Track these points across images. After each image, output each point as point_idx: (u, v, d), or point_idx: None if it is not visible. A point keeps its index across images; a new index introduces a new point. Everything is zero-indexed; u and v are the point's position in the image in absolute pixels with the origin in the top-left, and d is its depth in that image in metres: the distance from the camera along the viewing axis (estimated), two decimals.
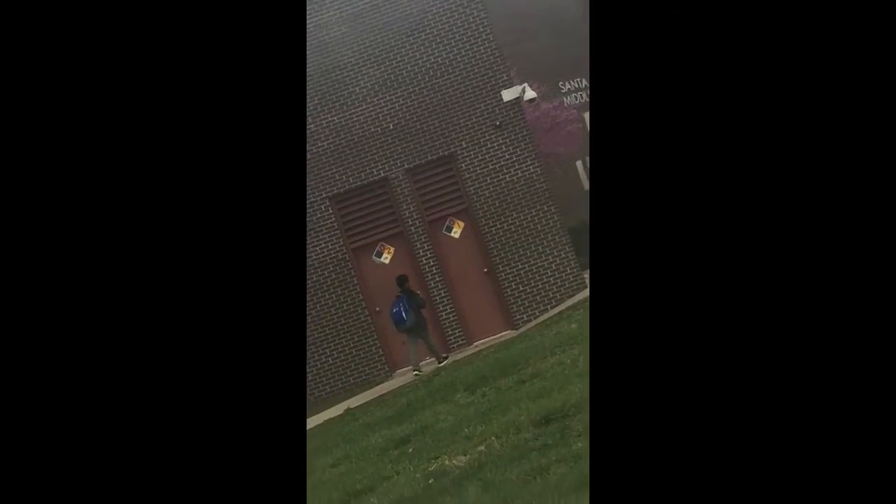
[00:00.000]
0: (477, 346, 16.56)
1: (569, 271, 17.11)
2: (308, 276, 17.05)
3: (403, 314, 15.82)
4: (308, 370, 16.98)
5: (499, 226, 17.16)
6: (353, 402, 14.98)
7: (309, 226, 17.12)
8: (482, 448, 7.39)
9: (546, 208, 17.10)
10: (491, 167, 17.15)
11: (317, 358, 17.01)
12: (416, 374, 15.51)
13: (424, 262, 17.15)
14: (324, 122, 17.20)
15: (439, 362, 15.78)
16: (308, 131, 17.14)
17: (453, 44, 17.30)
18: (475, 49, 17.29)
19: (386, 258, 17.42)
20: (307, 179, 17.03)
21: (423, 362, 16.32)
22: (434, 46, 17.30)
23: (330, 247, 17.17)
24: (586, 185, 17.57)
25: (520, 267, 17.14)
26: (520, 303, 17.12)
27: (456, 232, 17.43)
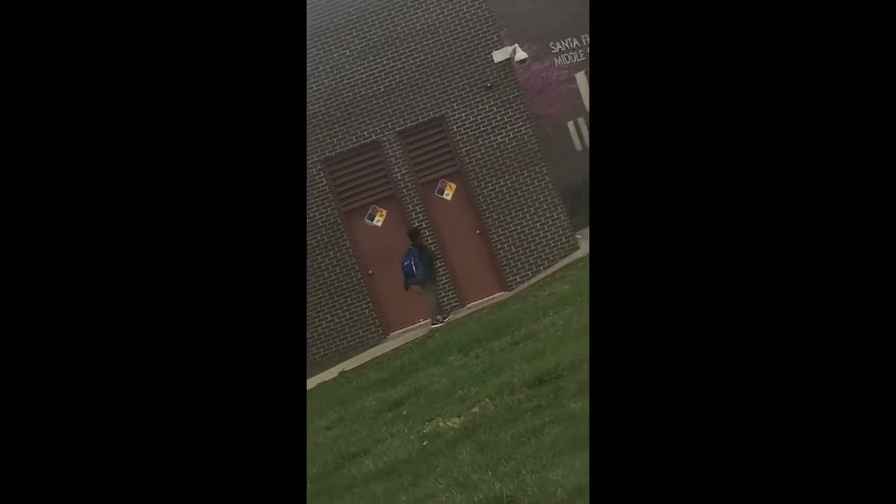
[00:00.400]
0: (470, 308, 16.59)
1: (561, 232, 17.11)
2: None
3: (413, 267, 15.88)
4: None
5: (491, 187, 17.13)
6: (347, 364, 15.02)
7: None
8: (476, 410, 7.42)
9: (538, 170, 17.07)
10: (482, 129, 17.10)
11: (310, 321, 17.02)
12: (433, 325, 15.68)
13: (417, 224, 17.12)
14: (314, 84, 17.11)
15: (432, 323, 15.81)
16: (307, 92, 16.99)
17: (443, 5, 17.19)
18: (465, 10, 17.18)
19: (378, 221, 17.40)
20: None
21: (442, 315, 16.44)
22: (424, 8, 17.19)
23: (322, 210, 17.14)
24: (578, 146, 17.52)
25: (512, 229, 17.13)
26: (512, 264, 17.13)
27: (448, 194, 17.40)
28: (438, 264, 16.67)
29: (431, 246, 17.00)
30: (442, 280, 17.10)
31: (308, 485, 7.11)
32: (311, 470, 7.53)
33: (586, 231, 19.65)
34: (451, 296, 17.17)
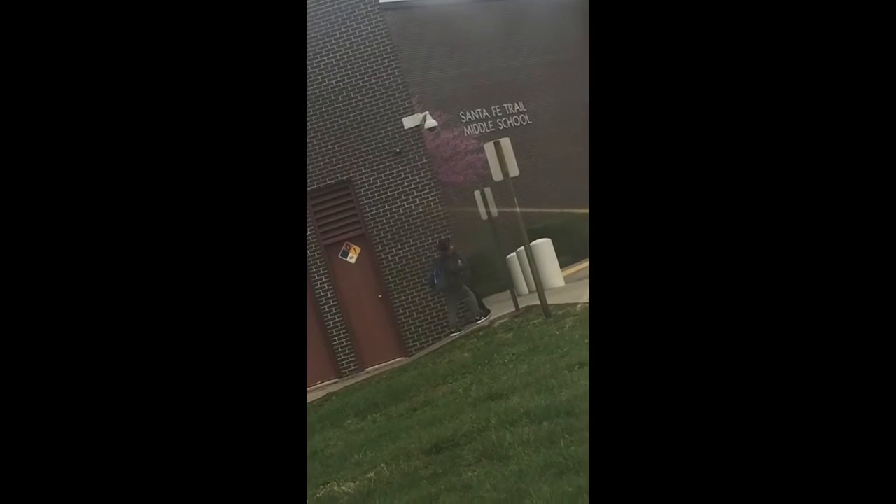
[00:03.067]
0: (369, 372, 16.50)
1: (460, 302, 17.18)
2: None
3: (435, 278, 16.57)
4: None
5: (395, 252, 17.16)
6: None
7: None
8: (372, 475, 7.35)
9: (443, 237, 17.16)
10: (389, 193, 17.16)
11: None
12: (451, 333, 16.35)
13: (319, 286, 17.04)
14: None
15: (452, 331, 16.48)
16: None
17: (356, 69, 17.30)
18: (378, 75, 17.31)
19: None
20: None
21: (467, 323, 16.73)
22: (336, 70, 17.28)
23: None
24: (484, 214, 17.68)
25: (415, 294, 17.14)
26: (413, 330, 17.11)
27: (352, 257, 17.37)
28: (466, 275, 17.00)
29: (332, 309, 16.90)
30: (341, 342, 17.00)
31: None
32: None
33: (492, 297, 19.76)
34: (349, 359, 17.05)
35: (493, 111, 29.20)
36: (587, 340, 9.55)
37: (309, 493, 7.48)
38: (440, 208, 17.26)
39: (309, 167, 17.06)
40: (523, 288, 19.50)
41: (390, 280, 17.12)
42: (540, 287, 14.59)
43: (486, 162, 16.93)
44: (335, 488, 7.31)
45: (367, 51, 17.35)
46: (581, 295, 14.67)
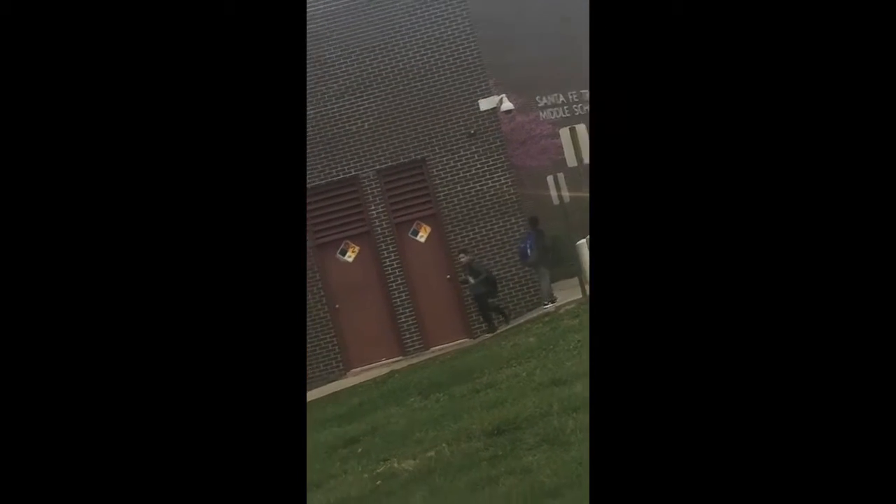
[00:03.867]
0: (434, 352, 16.56)
1: (530, 285, 17.15)
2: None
3: (528, 250, 16.65)
4: None
5: (465, 234, 17.17)
6: (306, 397, 14.91)
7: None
8: (432, 454, 7.39)
9: (514, 220, 17.14)
10: (462, 175, 17.17)
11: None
12: (544, 305, 16.49)
13: (388, 263, 17.12)
14: None
15: (543, 304, 16.65)
16: None
17: (435, 49, 17.30)
18: (456, 55, 17.30)
19: (350, 256, 17.38)
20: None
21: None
22: (415, 50, 17.30)
23: None
24: (555, 200, 17.60)
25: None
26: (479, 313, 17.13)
27: (422, 236, 17.42)
28: (552, 254, 17.24)
29: (400, 288, 16.99)
30: (407, 321, 17.09)
31: None
32: None
33: (560, 283, 19.70)
34: (415, 338, 17.13)
35: (570, 97, 29.03)
36: None
37: (369, 468, 7.55)
38: (512, 191, 17.23)
39: (383, 144, 17.12)
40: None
41: (459, 261, 17.14)
42: None
43: (561, 147, 16.86)
44: (395, 465, 7.36)
45: (447, 31, 17.34)
46: None
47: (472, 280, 16.58)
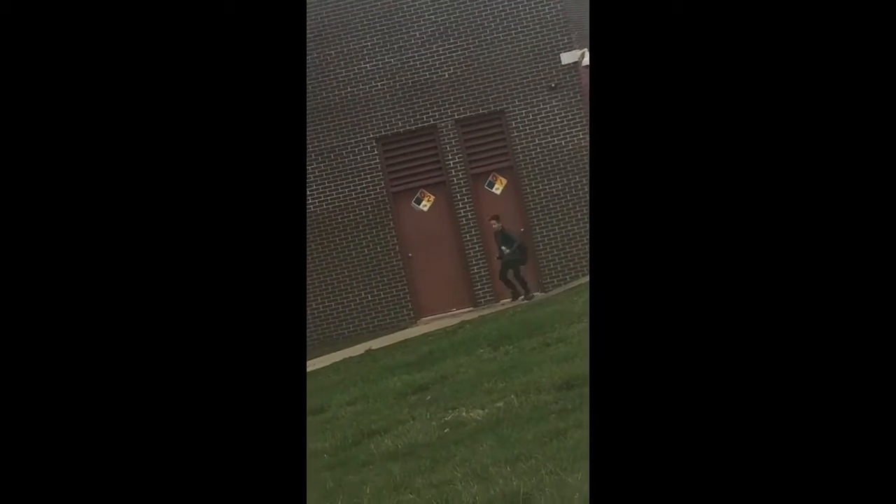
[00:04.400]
0: (504, 305, 16.56)
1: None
2: (345, 215, 17.08)
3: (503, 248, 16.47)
4: (334, 307, 17.07)
5: (541, 188, 17.09)
6: (375, 343, 15.05)
7: (352, 165, 17.12)
8: (500, 404, 7.41)
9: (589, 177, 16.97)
10: (541, 128, 17.06)
11: (344, 296, 17.08)
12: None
13: (462, 214, 17.12)
14: (380, 62, 17.13)
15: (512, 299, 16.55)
16: (363, 70, 17.10)
17: (518, 0, 17.13)
18: (539, 8, 17.12)
19: (425, 206, 17.41)
20: (355, 118, 17.03)
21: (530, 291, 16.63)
22: (499, 0, 17.14)
23: (371, 188, 17.17)
24: None
25: (556, 231, 17.09)
26: (552, 266, 17.09)
27: (498, 188, 17.38)
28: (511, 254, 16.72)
29: (473, 239, 17.00)
30: (479, 273, 17.10)
31: (325, 456, 7.14)
32: (330, 442, 7.56)
33: None
34: (486, 289, 17.15)
35: None
36: None
37: (437, 416, 7.60)
38: (588, 148, 17.04)
39: (463, 94, 17.06)
40: None
41: (534, 215, 17.09)
42: None
43: None
44: (463, 414, 7.40)
45: None
46: None
47: (505, 249, 16.30)
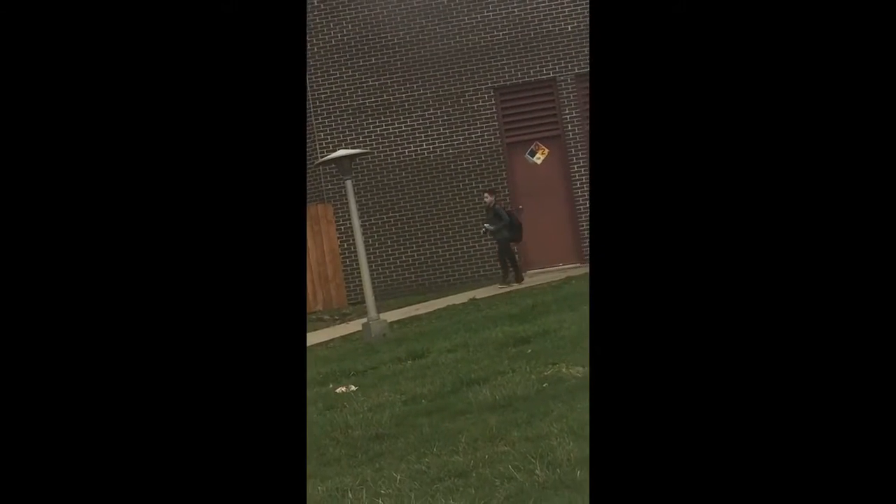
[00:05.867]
0: None
1: None
2: (458, 163, 17.10)
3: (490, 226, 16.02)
4: (441, 254, 17.16)
5: None
6: (479, 293, 15.11)
7: (469, 113, 17.10)
8: None
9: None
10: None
11: (451, 244, 17.15)
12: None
13: (576, 169, 16.99)
14: (504, 11, 17.01)
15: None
16: (486, 19, 17.01)
17: None
18: None
19: (539, 158, 17.32)
20: (475, 66, 16.98)
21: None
22: None
23: (486, 137, 17.13)
24: None
25: None
26: None
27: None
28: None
29: (584, 196, 16.87)
30: (584, 231, 16.98)
31: (423, 401, 7.22)
32: (429, 388, 7.63)
33: None
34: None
35: None
36: None
37: (537, 370, 7.60)
38: None
39: (585, 49, 16.84)
40: None
41: None
42: None
43: None
44: (563, 370, 7.39)
45: None
46: None
47: (489, 226, 15.82)
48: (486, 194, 16.33)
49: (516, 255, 16.39)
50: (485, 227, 16.08)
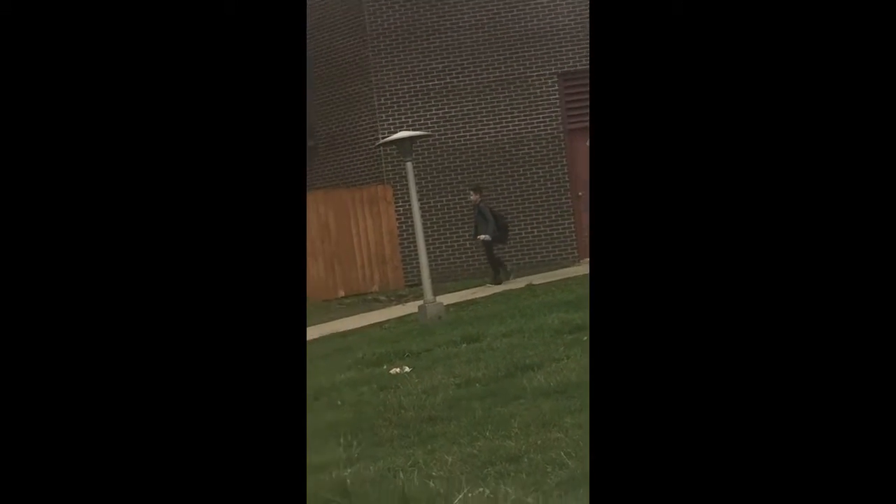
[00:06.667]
0: None
1: None
2: (519, 148, 17.06)
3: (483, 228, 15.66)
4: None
5: None
6: (536, 279, 15.06)
7: (531, 98, 17.04)
8: None
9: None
10: None
11: (509, 229, 17.14)
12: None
13: None
14: None
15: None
16: (551, 4, 16.92)
17: None
18: None
19: None
20: (538, 52, 16.91)
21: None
22: None
23: (547, 123, 17.06)
24: None
25: None
26: None
27: None
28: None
29: None
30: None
31: (477, 385, 7.24)
32: (483, 372, 7.64)
33: None
34: None
35: None
36: None
37: None
38: None
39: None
40: None
41: None
42: None
43: None
44: None
45: None
46: None
47: (485, 237, 15.44)
48: (471, 193, 15.95)
49: (501, 256, 16.05)
50: (480, 237, 15.58)
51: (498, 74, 17.12)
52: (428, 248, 13.81)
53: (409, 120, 17.22)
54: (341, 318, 14.39)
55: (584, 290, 12.30)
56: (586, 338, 8.63)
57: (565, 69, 17.04)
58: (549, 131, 17.08)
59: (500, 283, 15.38)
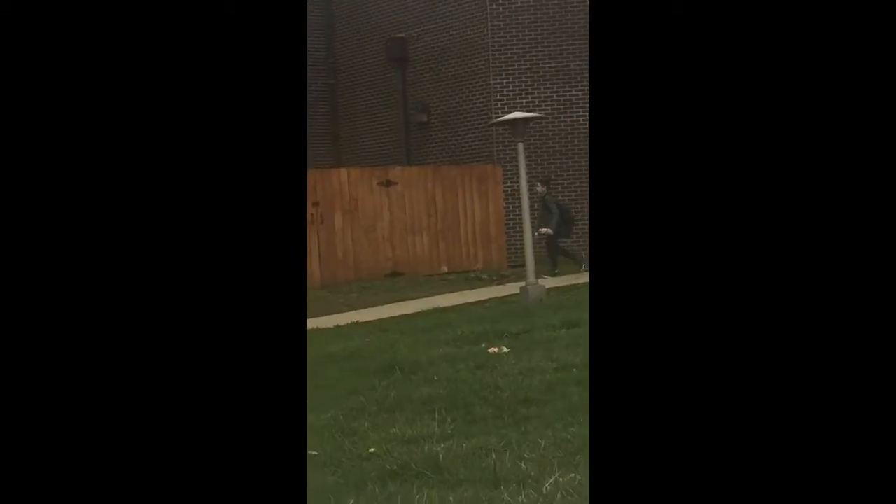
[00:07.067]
0: None
1: None
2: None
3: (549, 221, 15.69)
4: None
5: None
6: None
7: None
8: None
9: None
10: None
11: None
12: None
13: None
14: None
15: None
16: None
17: None
18: None
19: None
20: None
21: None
22: None
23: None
24: None
25: None
26: None
27: None
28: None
29: None
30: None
31: (574, 371, 7.22)
32: (581, 358, 7.62)
33: None
34: None
35: None
36: None
37: None
38: None
39: None
40: None
41: None
42: None
43: None
44: None
45: None
46: None
47: (546, 230, 15.37)
48: (538, 184, 15.85)
49: (568, 248, 16.01)
50: (542, 230, 15.55)
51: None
52: (533, 230, 13.80)
53: (524, 101, 17.20)
54: (443, 293, 14.48)
55: None
56: None
57: None
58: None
59: (555, 275, 15.33)
